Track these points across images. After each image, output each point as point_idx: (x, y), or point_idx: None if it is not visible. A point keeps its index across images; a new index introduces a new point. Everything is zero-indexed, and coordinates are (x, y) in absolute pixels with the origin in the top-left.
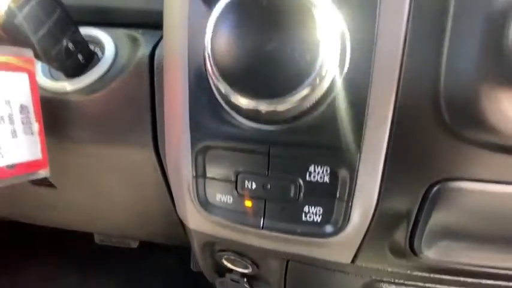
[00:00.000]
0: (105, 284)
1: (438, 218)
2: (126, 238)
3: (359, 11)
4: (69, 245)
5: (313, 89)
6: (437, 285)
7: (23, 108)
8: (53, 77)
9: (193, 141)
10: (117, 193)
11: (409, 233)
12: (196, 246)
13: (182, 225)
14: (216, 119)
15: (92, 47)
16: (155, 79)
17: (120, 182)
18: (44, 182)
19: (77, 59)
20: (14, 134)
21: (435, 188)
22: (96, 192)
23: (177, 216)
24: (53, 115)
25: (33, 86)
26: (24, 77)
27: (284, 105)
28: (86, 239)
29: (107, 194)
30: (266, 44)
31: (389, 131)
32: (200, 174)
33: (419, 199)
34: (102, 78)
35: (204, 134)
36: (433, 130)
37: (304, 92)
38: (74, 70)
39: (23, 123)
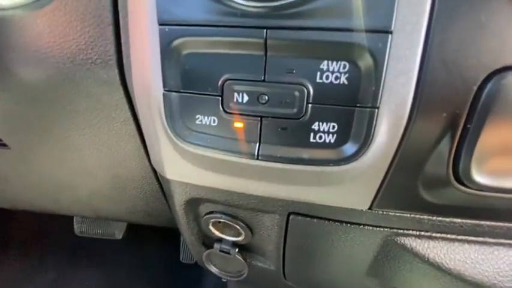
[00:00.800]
0: (87, 279)
1: (494, 125)
2: (101, 217)
3: None
4: (49, 239)
5: None
6: (470, 237)
7: None
8: None
9: (164, 37)
10: (82, 151)
11: (453, 151)
12: (179, 211)
13: (162, 189)
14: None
15: None
16: None
17: (84, 134)
18: None
19: None
20: None
21: (492, 81)
22: (57, 153)
23: (155, 175)
24: None
25: None
26: None
27: None
28: (67, 232)
29: (70, 153)
30: None
31: None
32: (173, 86)
33: (471, 98)
34: None
35: (177, 23)
36: None
37: None
38: None
39: None
